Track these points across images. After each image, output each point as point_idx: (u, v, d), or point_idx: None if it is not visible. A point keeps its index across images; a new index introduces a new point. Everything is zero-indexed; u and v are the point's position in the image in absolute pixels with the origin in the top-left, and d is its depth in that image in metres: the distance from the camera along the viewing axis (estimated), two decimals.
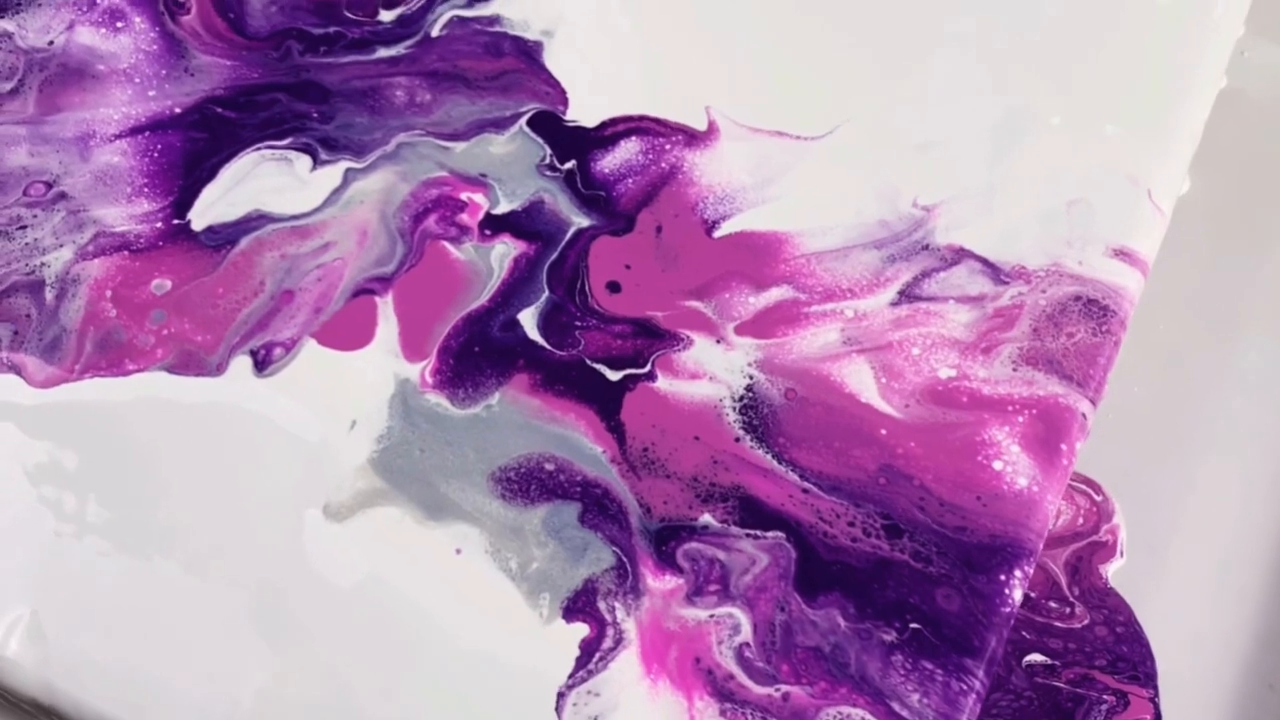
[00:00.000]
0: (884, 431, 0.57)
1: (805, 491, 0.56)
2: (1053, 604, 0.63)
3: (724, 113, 0.65)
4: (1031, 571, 0.55)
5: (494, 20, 0.67)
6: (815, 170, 0.63)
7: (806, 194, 0.63)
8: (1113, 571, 0.64)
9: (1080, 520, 0.65)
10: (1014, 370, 0.58)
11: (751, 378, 0.58)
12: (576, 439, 0.57)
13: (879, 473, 0.56)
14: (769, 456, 0.57)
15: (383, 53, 0.66)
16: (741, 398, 0.58)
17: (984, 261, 0.61)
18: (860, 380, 0.58)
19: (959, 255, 0.61)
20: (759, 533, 0.56)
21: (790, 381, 0.58)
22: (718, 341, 0.59)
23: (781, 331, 0.59)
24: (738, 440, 0.57)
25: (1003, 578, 0.54)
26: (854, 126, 0.65)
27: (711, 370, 0.58)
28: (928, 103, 0.65)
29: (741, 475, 0.56)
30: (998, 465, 0.56)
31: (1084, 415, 0.57)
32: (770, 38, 0.67)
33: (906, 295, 0.60)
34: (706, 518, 0.56)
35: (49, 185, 0.62)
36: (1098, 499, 0.65)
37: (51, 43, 0.66)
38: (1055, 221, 0.62)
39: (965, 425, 0.57)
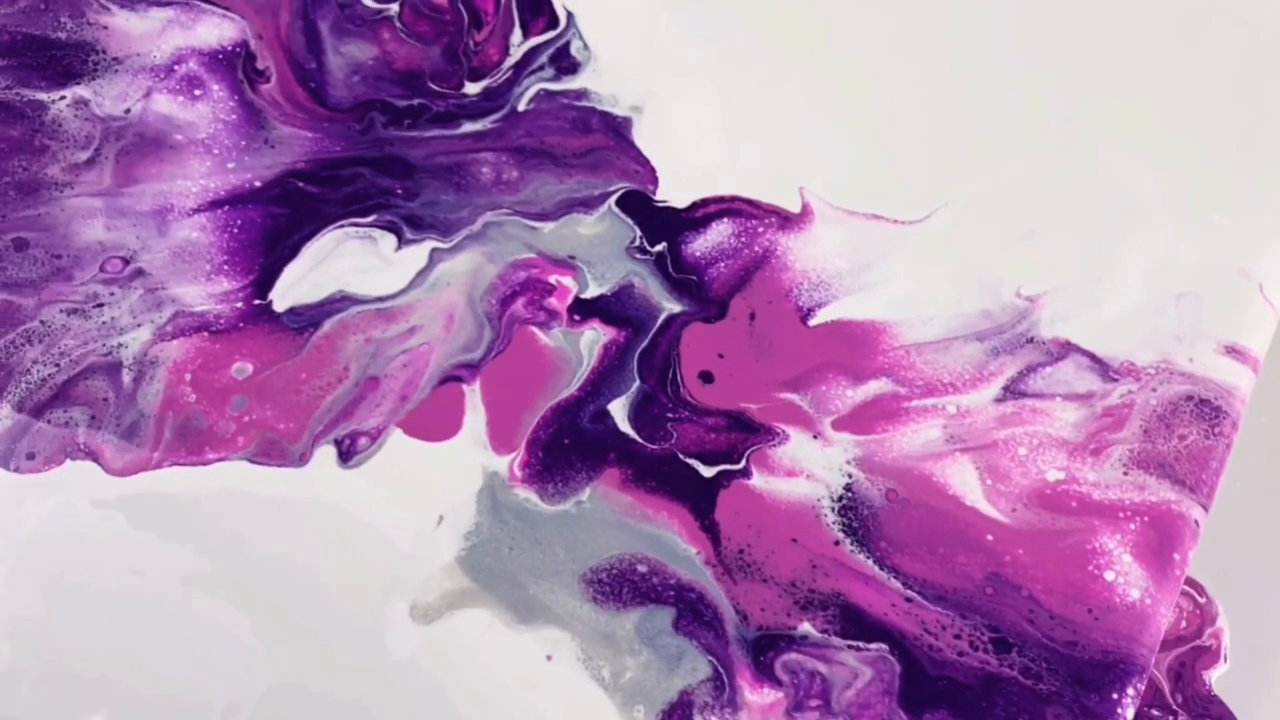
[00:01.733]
0: (990, 537, 0.54)
1: (909, 601, 0.53)
2: (1155, 712, 0.60)
3: (818, 194, 0.62)
4: (1144, 688, 0.52)
5: (581, 94, 0.65)
6: (913, 256, 0.61)
7: (905, 281, 0.61)
8: (1216, 677, 0.62)
9: (1183, 623, 0.62)
10: (1124, 474, 0.56)
11: (851, 476, 0.56)
12: (670, 539, 0.55)
13: (986, 582, 0.54)
14: (870, 562, 0.54)
15: (468, 127, 0.64)
16: (841, 498, 0.55)
17: (1091, 356, 0.58)
18: (964, 481, 0.56)
19: (1065, 349, 0.58)
20: (861, 644, 0.53)
21: (891, 481, 0.56)
22: (815, 437, 0.56)
23: (881, 427, 0.57)
24: (837, 543, 0.55)
25: (1115, 696, 0.52)
26: (953, 211, 0.62)
27: (809, 468, 0.56)
28: (1031, 188, 0.63)
29: (842, 581, 0.54)
30: (1109, 576, 0.54)
31: (1196, 522, 0.55)
32: (866, 116, 0.65)
33: (1011, 391, 0.58)
34: (806, 627, 0.53)
35: (126, 261, 0.60)
36: (1201, 601, 0.62)
37: (128, 111, 0.64)
38: (1164, 315, 0.59)
39: (1075, 532, 0.55)
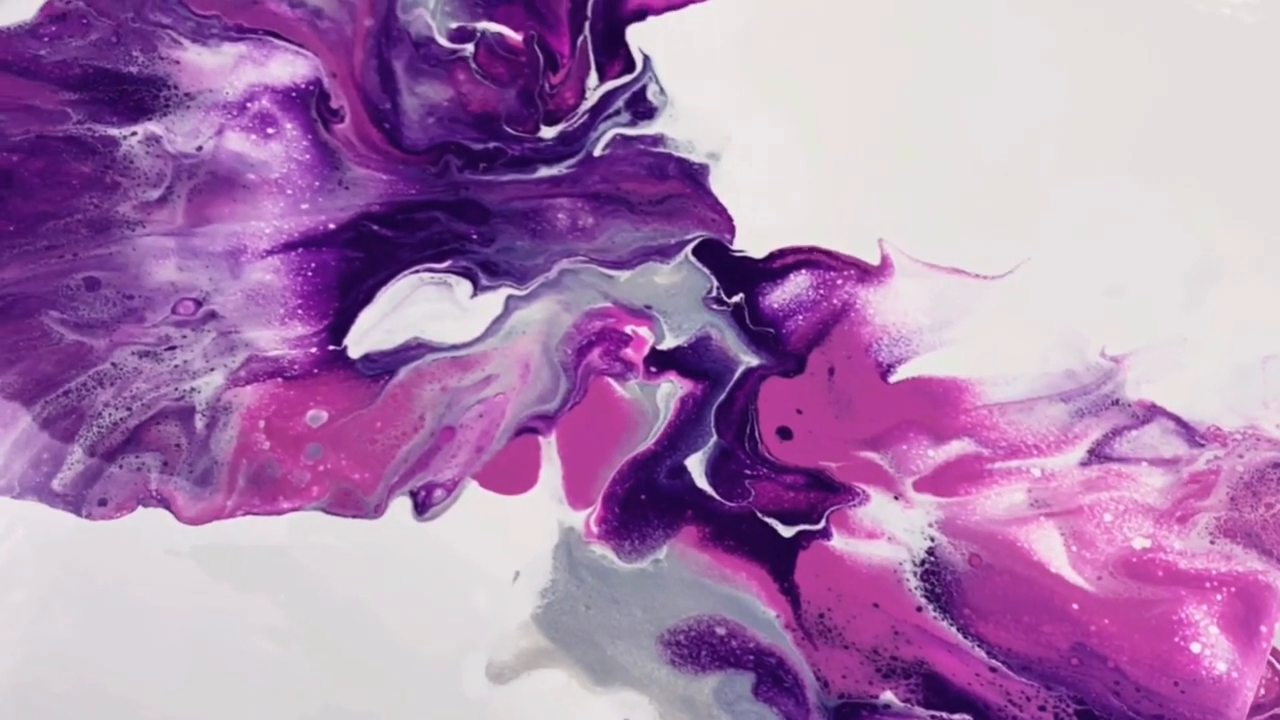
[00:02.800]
0: (1075, 606, 0.53)
1: (993, 670, 0.52)
2: None
3: (897, 246, 0.61)
4: None
5: (658, 140, 0.64)
6: (995, 313, 0.60)
7: (987, 338, 0.60)
8: None
9: (1262, 691, 0.60)
10: (1211, 543, 0.54)
11: (933, 540, 0.54)
12: (749, 601, 0.54)
13: (1071, 652, 0.53)
14: (953, 629, 0.53)
15: (544, 172, 0.63)
16: (923, 562, 0.54)
17: (1177, 420, 0.57)
18: (1049, 547, 0.55)
19: (1150, 412, 0.57)
20: (945, 715, 0.52)
21: (974, 546, 0.54)
22: (896, 498, 0.55)
23: (964, 489, 0.56)
24: (920, 610, 0.54)
25: None
26: (1036, 267, 0.61)
27: (890, 530, 0.55)
28: (1116, 244, 0.61)
29: (925, 649, 0.53)
30: (1196, 648, 0.53)
31: None
32: (947, 168, 0.63)
33: (1096, 455, 0.56)
34: (888, 695, 0.52)
35: (198, 303, 0.59)
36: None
37: (200, 148, 0.63)
38: (1250, 378, 0.58)
39: (1161, 602, 0.53)
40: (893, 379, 0.58)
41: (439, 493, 0.55)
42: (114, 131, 0.64)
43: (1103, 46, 0.65)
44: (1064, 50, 0.66)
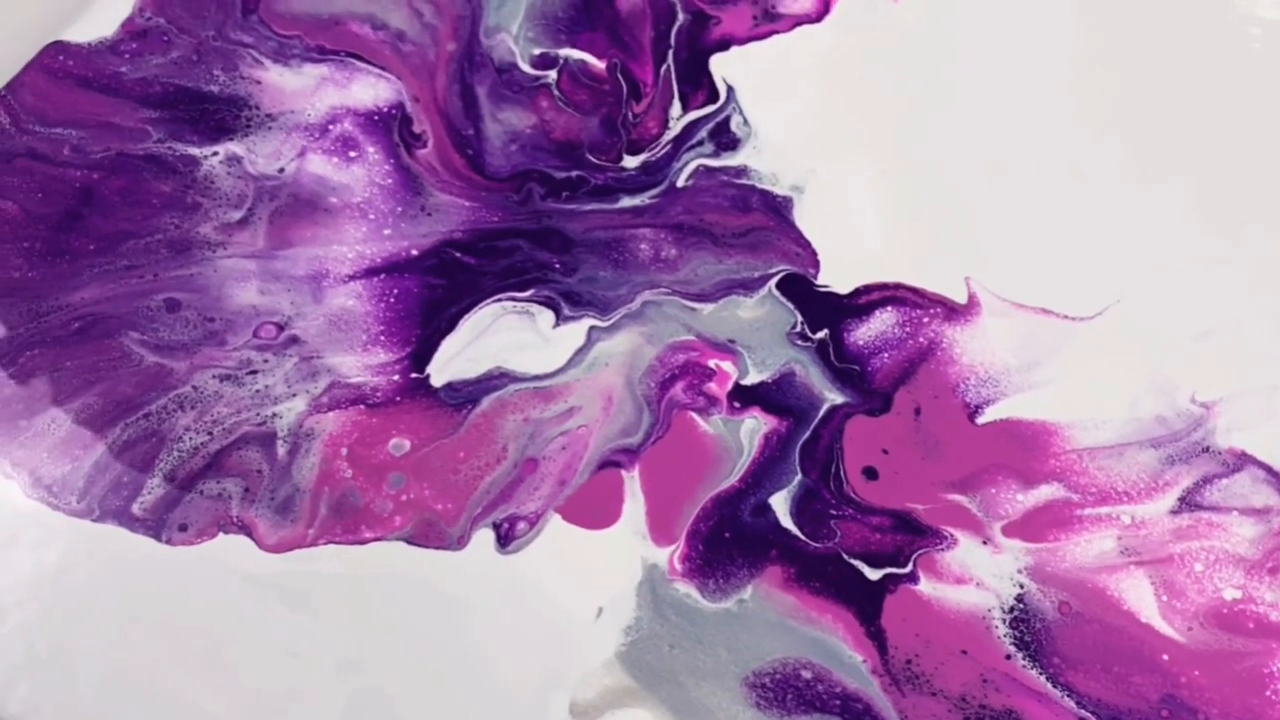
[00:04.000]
0: (1166, 657, 0.53)
1: None
2: None
3: (984, 284, 0.60)
4: None
5: (741, 171, 0.63)
6: (1084, 355, 0.59)
7: (1076, 381, 0.59)
8: None
9: None
10: None
11: (1022, 586, 0.54)
12: (834, 644, 0.53)
13: (1161, 704, 0.52)
14: (1043, 678, 0.52)
15: (626, 202, 0.63)
16: (1012, 609, 0.53)
17: (1268, 469, 0.56)
18: (1139, 597, 0.54)
19: (1241, 461, 0.56)
20: None
21: (1064, 594, 0.54)
22: (984, 542, 0.54)
23: (1053, 535, 0.55)
24: (1009, 658, 0.53)
25: None
26: (1126, 309, 0.61)
27: (979, 575, 0.54)
28: (1207, 287, 0.60)
29: (1014, 698, 0.52)
30: None
31: None
32: (1034, 204, 0.63)
33: (1187, 503, 0.56)
34: None
35: (280, 327, 0.59)
36: None
37: (282, 170, 0.63)
38: None
39: (1253, 655, 0.52)
40: (980, 420, 0.57)
41: (522, 525, 0.55)
42: (195, 151, 0.63)
43: (1198, 92, 0.65)
44: (1159, 94, 0.65)
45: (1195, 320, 0.61)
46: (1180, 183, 0.63)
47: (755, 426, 0.58)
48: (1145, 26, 0.67)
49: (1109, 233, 0.62)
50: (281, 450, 0.56)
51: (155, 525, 0.55)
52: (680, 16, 0.68)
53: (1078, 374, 0.60)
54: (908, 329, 0.60)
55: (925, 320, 0.60)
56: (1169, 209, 0.63)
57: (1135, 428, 0.58)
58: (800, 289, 0.61)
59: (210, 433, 0.57)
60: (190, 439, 0.56)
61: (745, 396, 0.58)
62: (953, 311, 0.60)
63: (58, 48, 0.66)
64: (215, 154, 0.63)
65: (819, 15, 0.68)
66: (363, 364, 0.58)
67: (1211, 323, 0.60)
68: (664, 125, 0.65)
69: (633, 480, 0.56)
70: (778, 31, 0.68)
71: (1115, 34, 0.68)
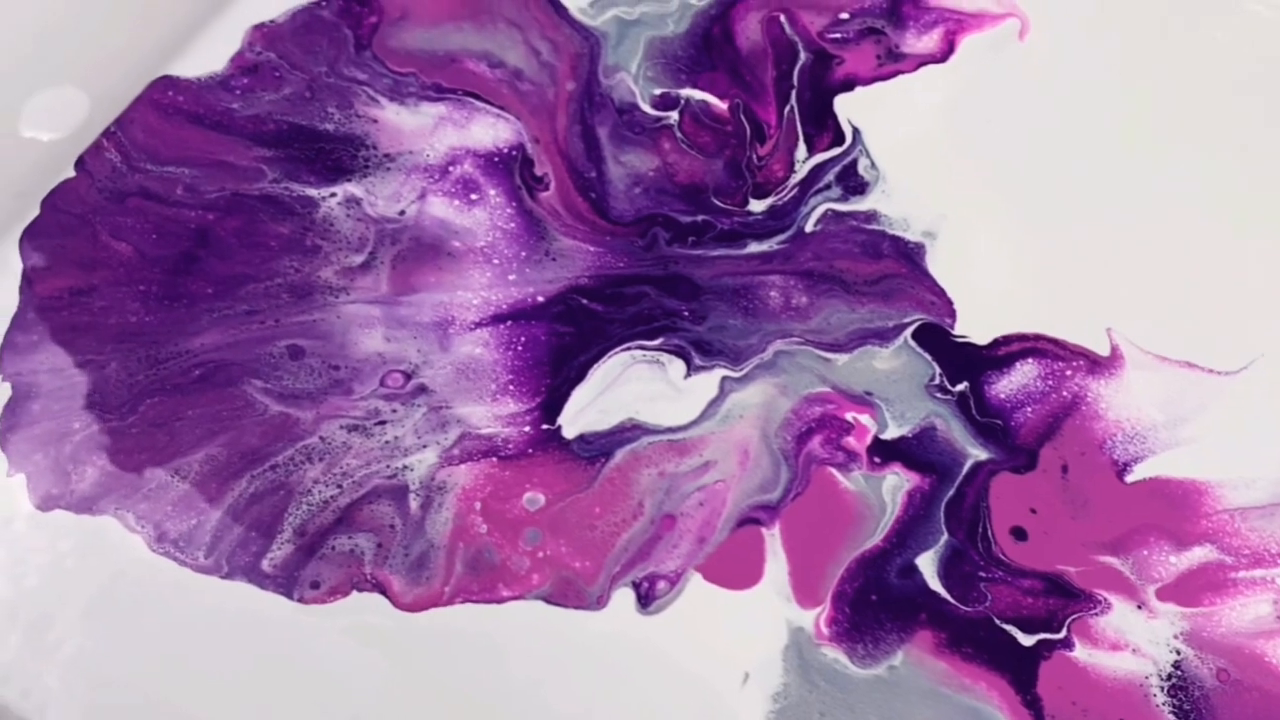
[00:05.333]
0: None
1: None
2: None
3: (1126, 336, 0.58)
4: None
5: (871, 216, 0.62)
6: (1232, 411, 0.58)
7: (1224, 437, 0.57)
8: None
9: None
10: None
11: (1179, 653, 0.52)
12: (990, 713, 0.52)
13: None
14: None
15: (754, 247, 0.61)
16: (1170, 676, 0.52)
17: None
18: None
19: None
20: None
21: (1222, 660, 0.52)
22: (1139, 607, 0.53)
23: (1208, 599, 0.53)
24: None
25: None
26: (1272, 362, 0.58)
27: (1134, 641, 0.52)
28: None
29: None
30: None
31: None
32: (1175, 252, 0.61)
33: None
34: None
35: (407, 376, 0.57)
36: None
37: (403, 212, 0.61)
38: None
39: None
40: (1129, 479, 0.55)
41: (662, 585, 0.53)
42: (312, 192, 0.61)
43: None
44: None
45: None
46: None
47: (897, 483, 0.56)
48: None
49: (1254, 285, 0.60)
50: (414, 504, 0.55)
51: (286, 583, 0.53)
52: (802, 56, 0.66)
53: (1225, 431, 0.58)
54: (1050, 382, 0.58)
55: (1068, 373, 0.58)
56: None
57: None
58: (937, 339, 0.59)
59: (340, 486, 0.55)
60: (320, 492, 0.55)
61: (885, 452, 0.56)
62: (1095, 364, 0.58)
63: (167, 82, 0.64)
64: (333, 195, 0.62)
65: (944, 55, 0.67)
66: (493, 414, 0.57)
67: None
68: (789, 168, 0.63)
69: (773, 538, 0.55)
70: (902, 72, 0.66)
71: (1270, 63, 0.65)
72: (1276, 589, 0.54)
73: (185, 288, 0.59)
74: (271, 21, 0.66)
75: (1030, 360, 0.59)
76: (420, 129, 0.64)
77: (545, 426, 0.57)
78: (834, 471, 0.56)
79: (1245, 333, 0.60)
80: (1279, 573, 0.55)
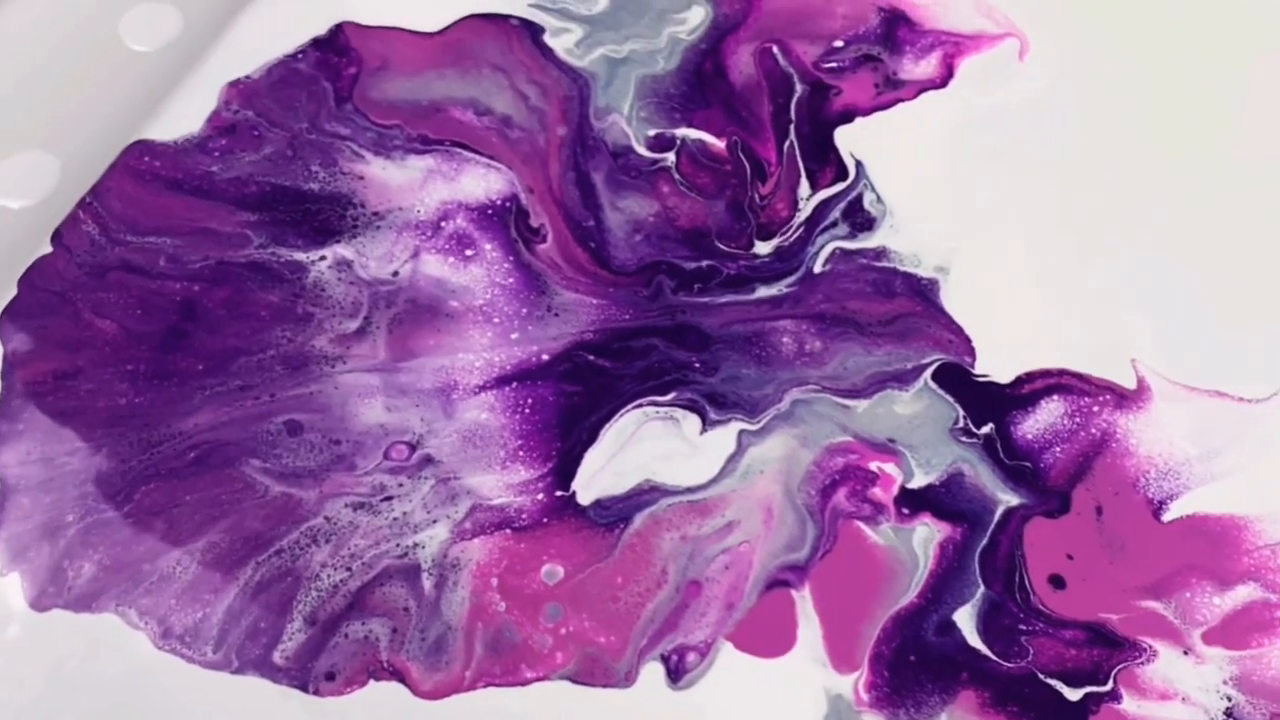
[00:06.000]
0: None
1: None
2: None
3: (1152, 367, 0.55)
4: None
5: (880, 254, 0.59)
6: (1265, 440, 0.56)
7: (1260, 468, 0.56)
8: None
9: None
10: None
11: (1230, 699, 0.50)
12: None
13: None
14: None
15: (763, 292, 0.58)
16: None
17: None
18: None
19: None
20: None
21: (1274, 704, 0.50)
22: (1185, 653, 0.50)
23: (1256, 641, 0.51)
24: None
25: None
26: None
27: (1183, 689, 0.50)
28: None
29: None
30: None
31: None
32: (1198, 278, 0.59)
33: None
34: None
35: (412, 447, 0.54)
36: None
37: (396, 273, 0.58)
38: None
39: None
40: (1166, 518, 0.53)
41: (692, 657, 0.50)
42: (301, 256, 0.58)
43: None
44: None
45: None
46: None
47: (928, 535, 0.53)
48: None
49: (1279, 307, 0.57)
50: (428, 584, 0.52)
51: (300, 674, 0.50)
52: (799, 88, 0.64)
53: (1259, 461, 0.56)
54: (1078, 419, 0.55)
55: (1095, 409, 0.56)
56: None
57: None
58: (958, 379, 0.57)
59: (349, 568, 0.52)
60: (329, 576, 0.52)
61: (913, 502, 0.54)
62: (1123, 398, 0.56)
63: (142, 148, 0.61)
64: (323, 258, 0.59)
65: (943, 80, 0.64)
66: (504, 483, 0.54)
67: None
68: (793, 207, 0.61)
69: (804, 601, 0.52)
70: (902, 99, 0.64)
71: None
72: None
73: (175, 365, 0.56)
74: (247, 78, 0.63)
75: (1056, 397, 0.56)
76: (409, 184, 0.61)
77: (559, 493, 0.54)
78: (861, 525, 0.54)
79: (1274, 357, 0.57)
80: None
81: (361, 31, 0.65)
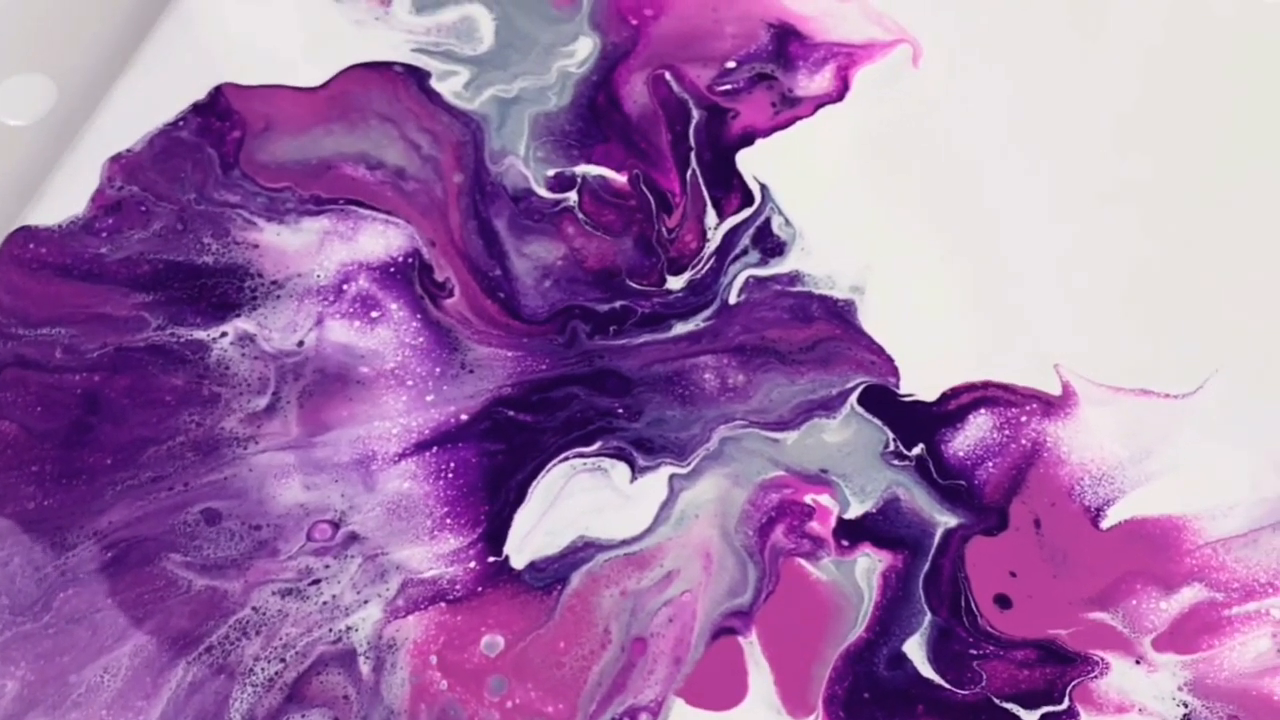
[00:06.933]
0: None
1: None
2: None
3: (1075, 370, 0.55)
4: None
5: (794, 278, 0.58)
6: (1195, 435, 0.56)
7: (1193, 465, 0.56)
8: None
9: None
10: None
11: (1187, 705, 0.50)
12: None
13: None
14: None
15: (680, 328, 0.57)
16: None
17: None
18: None
19: None
20: None
21: (1231, 706, 0.50)
22: (1137, 662, 0.50)
23: (1205, 643, 0.51)
24: None
25: None
26: (1227, 378, 0.56)
27: (1139, 700, 0.50)
28: None
29: None
30: None
31: None
32: (1113, 275, 0.59)
33: None
34: None
35: (335, 525, 0.53)
36: None
37: (301, 343, 0.56)
38: None
39: None
40: (1104, 524, 0.53)
41: (644, 718, 0.49)
42: (201, 334, 0.56)
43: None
44: (1232, 149, 0.63)
45: None
46: (1264, 238, 0.58)
47: (870, 565, 0.53)
48: (1213, 68, 0.63)
49: (1197, 298, 0.58)
50: (365, 668, 0.50)
51: None
52: (695, 113, 0.62)
53: (1192, 457, 0.56)
54: (1007, 432, 0.55)
55: (1023, 419, 0.55)
56: (1254, 267, 0.58)
57: (1264, 509, 0.54)
58: (884, 401, 0.56)
59: (283, 659, 0.50)
60: (263, 670, 0.50)
61: (852, 532, 0.53)
62: (1049, 406, 0.55)
63: (26, 235, 0.59)
64: (224, 334, 0.57)
65: (840, 94, 0.63)
66: (433, 554, 0.52)
67: None
68: (702, 237, 0.59)
69: (752, 647, 0.51)
70: (801, 117, 0.63)
71: (1182, 77, 0.63)
72: (1273, 620, 0.52)
73: (82, 461, 0.54)
74: (129, 151, 0.61)
75: (983, 411, 0.56)
76: (305, 248, 0.59)
77: (492, 559, 0.53)
78: (803, 562, 0.53)
79: (1195, 350, 0.58)
80: (1273, 603, 0.52)
81: (242, 92, 0.63)
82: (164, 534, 0.54)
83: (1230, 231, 0.60)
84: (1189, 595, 0.53)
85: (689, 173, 0.62)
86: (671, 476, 0.55)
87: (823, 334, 0.58)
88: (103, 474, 0.55)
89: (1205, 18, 0.65)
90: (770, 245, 0.60)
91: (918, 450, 0.55)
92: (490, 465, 0.55)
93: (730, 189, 0.62)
